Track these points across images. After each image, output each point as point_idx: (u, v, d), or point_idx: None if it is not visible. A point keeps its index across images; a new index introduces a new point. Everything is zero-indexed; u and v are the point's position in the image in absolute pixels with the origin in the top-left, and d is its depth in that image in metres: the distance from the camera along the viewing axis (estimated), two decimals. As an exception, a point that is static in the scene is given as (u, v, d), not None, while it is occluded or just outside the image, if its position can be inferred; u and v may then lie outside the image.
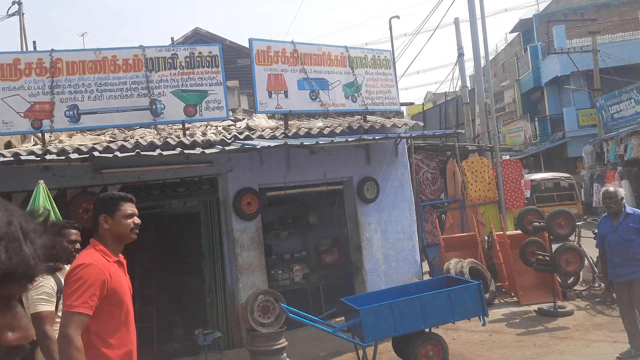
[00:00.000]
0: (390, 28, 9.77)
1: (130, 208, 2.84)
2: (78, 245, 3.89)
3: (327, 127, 8.19)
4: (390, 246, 8.69)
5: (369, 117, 8.75)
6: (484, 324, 6.33)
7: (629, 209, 5.67)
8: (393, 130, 8.56)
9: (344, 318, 6.78)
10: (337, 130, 7.99)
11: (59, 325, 2.76)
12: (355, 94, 8.42)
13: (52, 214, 5.32)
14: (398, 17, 9.82)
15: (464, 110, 13.20)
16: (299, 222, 10.43)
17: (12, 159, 6.17)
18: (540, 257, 7.86)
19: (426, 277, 9.31)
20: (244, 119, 9.67)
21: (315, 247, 10.21)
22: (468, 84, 14.26)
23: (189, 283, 9.59)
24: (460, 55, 13.54)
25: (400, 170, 8.88)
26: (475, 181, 10.40)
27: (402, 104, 9.83)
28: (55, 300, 3.61)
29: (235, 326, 7.57)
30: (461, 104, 13.35)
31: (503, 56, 35.43)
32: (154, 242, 9.95)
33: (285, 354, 6.40)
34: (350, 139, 7.31)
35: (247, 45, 12.46)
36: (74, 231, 3.94)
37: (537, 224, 7.94)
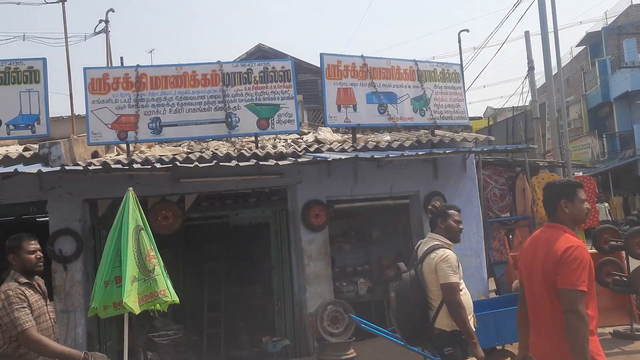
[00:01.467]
0: (460, 41, 9.75)
1: (582, 193, 3.20)
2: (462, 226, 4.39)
3: (396, 140, 8.24)
4: (456, 262, 8.57)
5: (436, 131, 8.74)
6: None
7: None
8: (463, 144, 8.50)
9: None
10: (406, 144, 8.02)
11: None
12: (424, 108, 8.45)
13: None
14: (467, 30, 9.78)
15: (533, 125, 12.91)
16: (362, 236, 10.48)
17: (101, 167, 6.58)
18: (617, 277, 7.56)
19: (492, 295, 9.12)
20: (309, 132, 9.85)
21: (378, 261, 10.22)
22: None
23: (255, 292, 9.82)
24: (531, 69, 13.28)
25: (468, 186, 8.78)
26: (545, 198, 10.12)
27: (470, 119, 9.74)
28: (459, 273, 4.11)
29: (303, 335, 7.68)
30: (530, 119, 13.08)
31: (568, 71, 34.34)
32: (223, 251, 10.27)
33: (353, 365, 6.46)
34: (420, 153, 7.32)
35: (307, 60, 12.82)
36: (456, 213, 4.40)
37: (614, 243, 7.65)
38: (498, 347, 6.11)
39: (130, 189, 5.85)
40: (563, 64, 34.35)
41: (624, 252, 7.72)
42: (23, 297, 3.63)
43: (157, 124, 7.27)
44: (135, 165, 6.60)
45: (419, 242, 4.46)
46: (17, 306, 3.56)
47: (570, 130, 30.96)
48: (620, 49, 25.68)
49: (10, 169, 6.27)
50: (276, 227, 8.03)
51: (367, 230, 10.42)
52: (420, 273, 4.16)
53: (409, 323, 4.28)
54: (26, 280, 3.75)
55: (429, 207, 4.58)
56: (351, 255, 10.22)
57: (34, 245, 3.83)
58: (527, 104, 15.09)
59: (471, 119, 10.42)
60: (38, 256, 3.84)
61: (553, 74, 11.52)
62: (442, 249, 4.11)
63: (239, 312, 9.48)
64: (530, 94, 13.57)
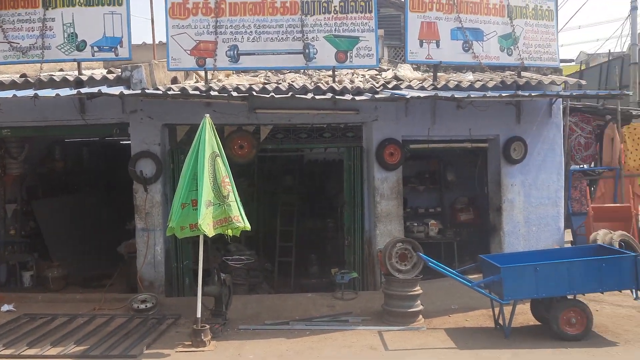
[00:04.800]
0: (556, -25, 8.91)
1: None
2: None
3: (478, 80, 7.84)
4: (532, 210, 8.29)
5: (523, 73, 8.23)
6: (636, 298, 6.09)
7: None
8: (550, 88, 7.97)
9: (480, 275, 6.69)
10: (489, 85, 7.62)
11: None
12: (512, 47, 7.93)
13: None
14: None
15: (630, 71, 11.86)
16: (436, 179, 10.31)
17: (179, 92, 6.73)
18: None
19: (567, 246, 8.81)
20: (388, 69, 9.57)
21: (451, 204, 10.07)
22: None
23: (326, 226, 10.02)
24: (634, 8, 12.03)
25: (552, 132, 8.31)
26: (636, 149, 9.46)
27: (561, 61, 9.05)
28: None
29: (371, 270, 7.78)
30: (627, 64, 12.01)
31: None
32: (296, 185, 10.46)
33: (419, 301, 6.50)
34: (504, 94, 6.93)
35: (391, -7, 12.22)
36: None
37: None
38: (569, 296, 5.99)
39: (207, 115, 5.98)
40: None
41: None
42: None
43: (235, 52, 7.27)
44: (213, 93, 6.70)
45: None
46: None
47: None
48: None
49: (95, 89, 6.54)
50: (350, 163, 7.99)
51: (442, 173, 10.23)
52: None
53: None
54: None
55: None
56: (424, 197, 10.14)
57: None
58: (625, 50, 13.80)
59: (562, 61, 9.67)
60: None
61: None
62: None
63: (309, 244, 9.74)
64: (630, 37, 12.38)
